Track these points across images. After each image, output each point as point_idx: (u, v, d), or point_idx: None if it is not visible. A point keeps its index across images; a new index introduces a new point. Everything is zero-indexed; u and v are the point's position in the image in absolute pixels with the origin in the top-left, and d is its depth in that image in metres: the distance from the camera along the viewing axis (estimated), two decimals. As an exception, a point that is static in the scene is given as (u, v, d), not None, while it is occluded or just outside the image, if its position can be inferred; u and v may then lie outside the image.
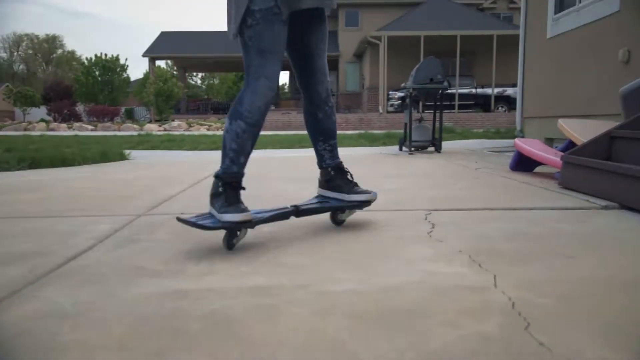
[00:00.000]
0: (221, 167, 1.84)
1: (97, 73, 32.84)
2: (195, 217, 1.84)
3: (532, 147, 3.85)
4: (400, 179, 3.70)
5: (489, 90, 22.08)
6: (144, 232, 2.09)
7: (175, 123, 21.50)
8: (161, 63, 38.82)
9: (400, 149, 6.94)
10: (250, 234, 2.00)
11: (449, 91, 6.54)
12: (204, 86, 56.14)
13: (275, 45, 1.81)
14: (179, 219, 1.82)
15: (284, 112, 24.57)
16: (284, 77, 64.88)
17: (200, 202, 2.81)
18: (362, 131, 13.64)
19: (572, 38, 6.39)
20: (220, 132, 15.73)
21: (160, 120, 24.93)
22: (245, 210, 1.76)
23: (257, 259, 1.67)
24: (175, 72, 34.98)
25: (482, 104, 22.26)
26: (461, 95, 21.91)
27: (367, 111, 23.30)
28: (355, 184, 2.14)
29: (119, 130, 19.18)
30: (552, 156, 3.53)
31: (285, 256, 1.70)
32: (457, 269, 1.51)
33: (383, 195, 2.52)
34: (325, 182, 2.15)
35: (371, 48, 23.68)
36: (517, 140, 4.05)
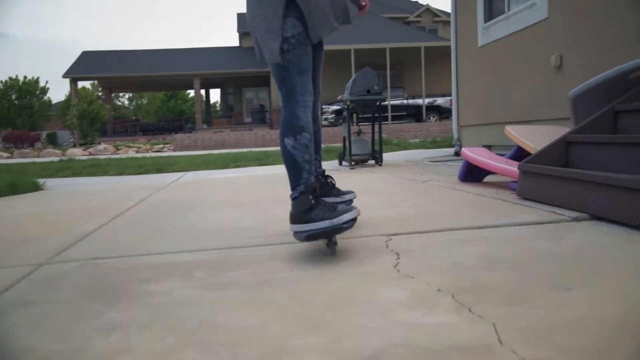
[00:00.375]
0: (302, 183, 1.92)
1: (13, 97, 30.89)
2: (301, 231, 1.83)
3: (481, 156, 3.67)
4: (347, 198, 3.40)
5: (419, 101, 22.57)
6: (42, 289, 1.65)
7: (102, 146, 20.35)
8: (86, 84, 37.05)
9: (340, 164, 6.70)
10: (177, 281, 1.62)
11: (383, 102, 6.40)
12: (131, 107, 54.09)
13: (309, 64, 2.01)
14: (306, 239, 1.84)
15: (217, 130, 23.94)
16: (216, 96, 63.83)
17: (123, 240, 2.37)
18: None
19: (504, 46, 6.41)
20: (150, 154, 14.95)
21: (85, 144, 23.60)
22: (352, 207, 1.83)
23: (188, 321, 1.29)
24: (100, 93, 33.40)
25: (413, 114, 22.73)
26: (393, 107, 22.25)
27: (302, 126, 23.07)
28: (338, 188, 2.38)
29: (39, 157, 17.88)
30: (504, 165, 3.36)
31: (224, 314, 1.33)
32: (444, 318, 1.21)
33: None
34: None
35: (303, 63, 23.55)
36: (465, 149, 3.87)
